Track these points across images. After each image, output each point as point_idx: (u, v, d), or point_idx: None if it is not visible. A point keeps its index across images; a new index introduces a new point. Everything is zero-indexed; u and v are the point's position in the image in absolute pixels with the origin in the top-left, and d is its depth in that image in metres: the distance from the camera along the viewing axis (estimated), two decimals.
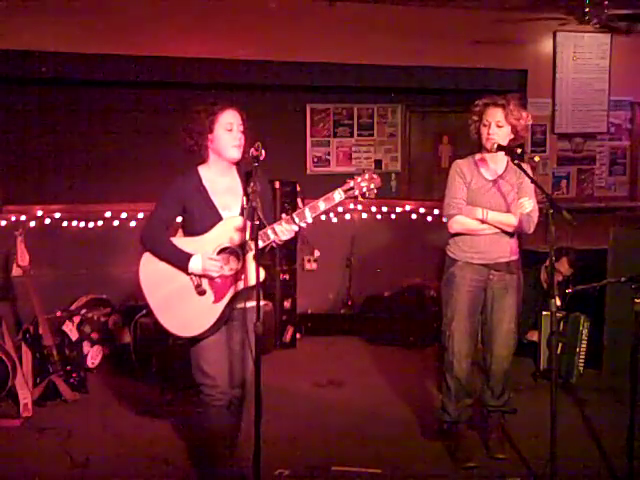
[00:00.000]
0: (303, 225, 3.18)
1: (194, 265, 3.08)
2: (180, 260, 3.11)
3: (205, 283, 3.12)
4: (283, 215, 3.18)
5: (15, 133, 5.94)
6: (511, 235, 3.77)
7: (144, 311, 4.97)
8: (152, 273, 3.18)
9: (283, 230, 3.08)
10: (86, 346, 5.21)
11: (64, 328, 4.92)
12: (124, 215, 6.00)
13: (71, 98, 6.03)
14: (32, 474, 3.67)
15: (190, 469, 3.70)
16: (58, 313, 5.22)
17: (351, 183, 3.05)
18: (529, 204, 3.68)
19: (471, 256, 3.78)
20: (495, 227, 3.74)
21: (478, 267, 3.78)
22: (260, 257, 2.97)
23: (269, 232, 3.08)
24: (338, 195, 3.05)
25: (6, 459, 3.83)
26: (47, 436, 4.12)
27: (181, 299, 3.13)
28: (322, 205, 3.06)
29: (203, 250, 3.10)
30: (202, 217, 3.13)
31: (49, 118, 5.99)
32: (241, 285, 3.11)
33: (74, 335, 4.98)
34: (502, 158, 3.81)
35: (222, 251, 3.10)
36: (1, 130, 5.86)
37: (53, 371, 4.60)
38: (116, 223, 6.01)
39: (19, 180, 5.91)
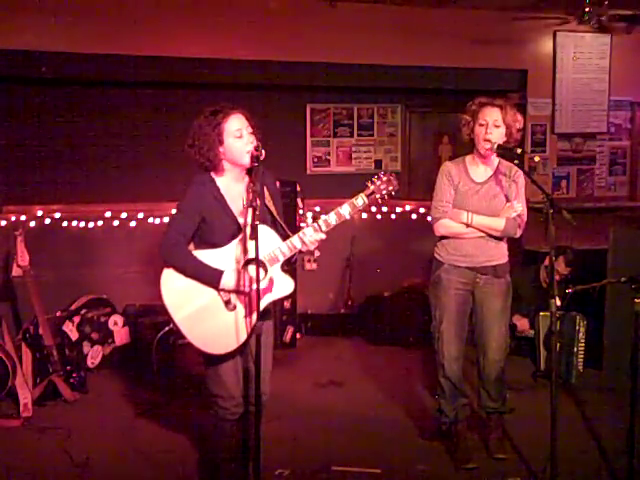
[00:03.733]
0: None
1: (227, 282, 2.95)
2: (211, 277, 2.96)
3: (234, 298, 3.01)
4: (308, 222, 3.07)
5: (15, 133, 5.93)
6: (498, 238, 3.75)
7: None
8: (176, 290, 2.98)
9: (312, 240, 3.02)
10: (86, 346, 5.22)
11: (64, 328, 4.92)
12: (124, 215, 6.01)
13: (71, 98, 6.03)
14: (32, 474, 3.67)
15: (189, 469, 3.70)
16: (58, 313, 5.23)
17: (372, 187, 3.05)
18: (515, 209, 3.67)
19: (457, 259, 3.77)
20: (481, 231, 3.73)
21: (464, 270, 3.77)
22: (287, 266, 3.00)
23: (295, 241, 3.02)
24: (361, 200, 3.04)
25: (6, 459, 3.83)
26: (47, 436, 4.12)
27: (211, 316, 2.98)
28: (346, 211, 3.02)
29: (228, 263, 2.97)
30: (221, 227, 3.01)
31: (49, 118, 5.98)
32: (270, 297, 3.03)
33: (74, 335, 4.99)
34: (493, 160, 3.79)
35: (247, 263, 2.94)
36: (1, 130, 5.86)
37: (53, 371, 4.60)
38: (116, 223, 6.01)
39: (19, 180, 5.90)
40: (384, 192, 3.07)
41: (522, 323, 5.41)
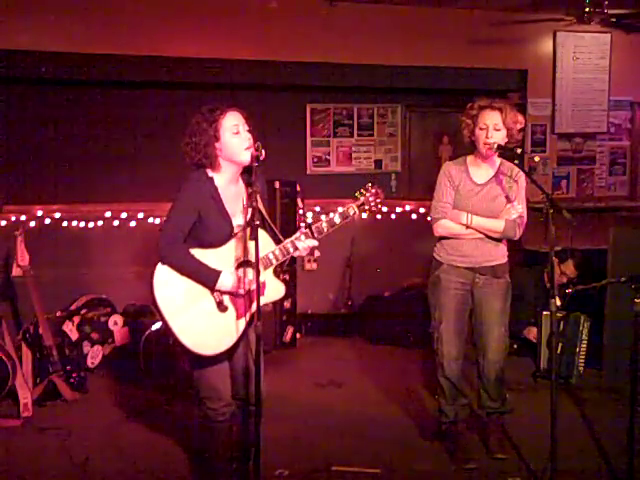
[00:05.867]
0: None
1: (224, 282, 2.94)
2: (208, 277, 2.93)
3: (227, 299, 3.00)
4: (301, 229, 3.09)
5: (15, 133, 5.93)
6: (498, 239, 3.75)
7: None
8: (169, 288, 2.93)
9: (304, 246, 3.06)
10: (86, 346, 5.22)
11: (64, 328, 4.92)
12: (124, 215, 6.01)
13: (71, 98, 6.03)
14: (32, 474, 3.67)
15: (189, 469, 3.70)
16: (58, 313, 5.23)
17: (362, 199, 3.16)
18: (516, 210, 3.67)
19: (456, 259, 3.78)
20: (480, 232, 3.73)
21: (463, 270, 3.77)
22: (280, 271, 3.03)
23: (289, 246, 3.05)
24: (352, 210, 3.14)
25: (6, 459, 3.82)
26: (47, 436, 4.12)
27: (202, 316, 2.96)
28: (338, 220, 3.11)
29: (223, 263, 2.96)
30: (216, 227, 2.99)
31: (49, 118, 5.98)
32: (262, 300, 2.97)
33: (74, 335, 4.99)
34: (494, 161, 3.79)
35: (241, 265, 2.94)
36: (1, 130, 5.86)
37: (53, 371, 4.60)
38: (116, 223, 6.01)
39: (19, 180, 5.91)
40: (372, 204, 3.18)
41: (532, 332, 5.39)
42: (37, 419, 4.34)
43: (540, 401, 4.18)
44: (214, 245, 2.99)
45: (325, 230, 3.09)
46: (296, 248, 3.05)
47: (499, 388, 3.91)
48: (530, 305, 5.40)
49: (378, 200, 3.17)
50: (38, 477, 3.65)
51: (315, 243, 3.08)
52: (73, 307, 5.49)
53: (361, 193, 3.16)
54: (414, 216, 6.55)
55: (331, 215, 3.10)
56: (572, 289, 4.62)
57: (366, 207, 3.16)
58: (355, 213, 3.14)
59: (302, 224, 5.90)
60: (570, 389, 4.88)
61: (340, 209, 3.11)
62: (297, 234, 3.08)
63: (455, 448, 3.85)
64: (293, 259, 3.24)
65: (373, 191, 3.16)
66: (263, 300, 3.03)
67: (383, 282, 6.43)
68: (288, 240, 3.06)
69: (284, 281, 3.21)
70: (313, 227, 3.07)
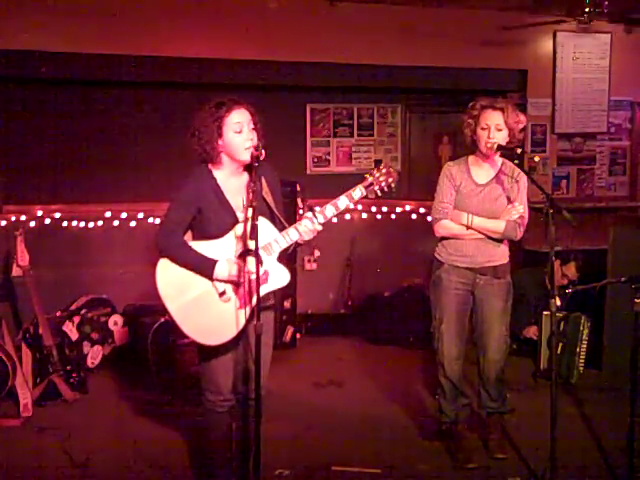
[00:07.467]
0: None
1: (220, 271, 2.94)
2: (205, 267, 2.95)
3: (229, 289, 3.00)
4: (306, 215, 3.05)
5: (15, 133, 5.93)
6: (499, 240, 3.76)
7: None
8: (171, 280, 2.96)
9: (307, 230, 3.03)
10: (86, 346, 5.22)
11: (64, 328, 4.92)
12: (124, 215, 6.01)
13: (71, 98, 6.03)
14: (32, 474, 3.67)
15: (189, 469, 3.70)
16: (58, 313, 5.23)
17: (370, 179, 3.05)
18: (517, 211, 3.67)
19: (457, 259, 3.78)
20: (481, 233, 3.73)
21: (464, 270, 3.77)
22: (284, 257, 3.00)
23: (292, 232, 3.03)
24: (359, 191, 3.04)
25: (6, 459, 3.83)
26: (47, 436, 4.12)
27: (205, 307, 2.97)
28: (344, 202, 3.04)
29: (224, 254, 2.97)
30: (218, 219, 3.00)
31: (49, 118, 5.98)
32: (265, 289, 2.99)
33: (74, 335, 4.99)
34: (495, 161, 3.79)
35: (243, 254, 2.93)
36: (1, 130, 5.86)
37: (53, 371, 4.60)
38: (116, 223, 6.01)
39: (19, 180, 5.90)
40: (383, 184, 3.06)
41: (533, 331, 5.40)
42: (37, 419, 4.33)
43: (540, 401, 4.18)
44: (217, 237, 3.00)
45: (329, 214, 3.04)
46: (300, 233, 3.03)
47: (499, 388, 3.91)
48: (531, 306, 5.40)
49: (390, 180, 3.04)
50: (38, 477, 3.65)
51: (319, 228, 3.04)
52: (73, 307, 5.49)
53: (371, 174, 3.05)
54: (414, 216, 6.55)
55: (336, 199, 3.04)
56: (572, 289, 4.63)
57: (375, 187, 3.04)
58: (362, 194, 3.03)
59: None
60: (570, 389, 4.88)
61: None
62: (301, 219, 3.06)
63: (455, 448, 3.85)
64: (295, 255, 3.22)
65: (384, 171, 3.05)
66: (267, 288, 3.04)
67: (383, 282, 6.43)
68: (291, 226, 3.05)
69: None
70: (317, 212, 3.04)
